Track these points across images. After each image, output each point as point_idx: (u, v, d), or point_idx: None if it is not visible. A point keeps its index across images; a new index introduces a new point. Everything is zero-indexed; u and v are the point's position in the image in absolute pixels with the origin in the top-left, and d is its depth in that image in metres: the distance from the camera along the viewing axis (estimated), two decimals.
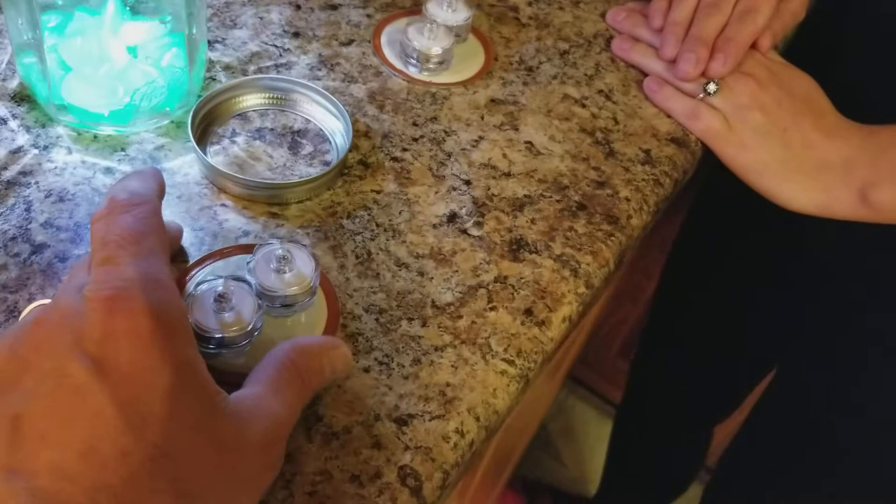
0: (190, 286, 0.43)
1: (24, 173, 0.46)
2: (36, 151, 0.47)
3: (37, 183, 0.46)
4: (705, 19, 0.61)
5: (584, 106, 0.60)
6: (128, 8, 0.49)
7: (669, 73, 0.61)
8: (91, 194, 0.46)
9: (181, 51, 0.50)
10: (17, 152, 0.47)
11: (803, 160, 0.58)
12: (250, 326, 0.40)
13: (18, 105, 0.49)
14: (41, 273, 0.42)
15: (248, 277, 0.42)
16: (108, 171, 0.47)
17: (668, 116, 0.61)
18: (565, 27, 0.66)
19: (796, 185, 0.59)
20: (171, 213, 0.46)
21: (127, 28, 0.49)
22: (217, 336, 0.39)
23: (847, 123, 0.59)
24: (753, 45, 0.61)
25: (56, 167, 0.47)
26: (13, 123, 0.48)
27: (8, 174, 0.46)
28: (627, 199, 0.54)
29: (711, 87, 0.60)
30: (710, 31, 0.60)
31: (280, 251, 0.42)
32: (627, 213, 0.53)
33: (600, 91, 0.61)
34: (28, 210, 0.45)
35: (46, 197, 0.45)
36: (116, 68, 0.49)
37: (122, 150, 0.49)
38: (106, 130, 0.49)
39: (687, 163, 0.59)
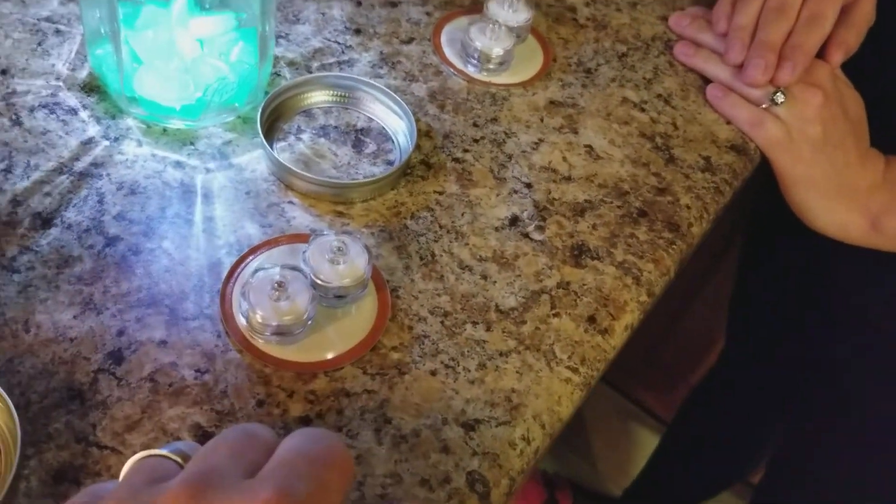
0: (247, 273, 0.43)
1: (95, 164, 0.47)
2: (107, 143, 0.48)
3: (108, 175, 0.46)
4: (771, 25, 0.60)
5: (643, 110, 0.59)
6: (196, 1, 0.49)
7: (734, 79, 0.61)
8: (161, 188, 0.47)
9: (250, 46, 0.50)
10: (88, 143, 0.47)
11: (839, 181, 0.59)
12: (305, 315, 0.41)
13: (88, 95, 0.50)
14: (115, 266, 0.43)
15: (303, 266, 0.42)
16: (178, 164, 0.48)
17: (728, 123, 0.60)
18: (623, 29, 0.66)
19: (827, 203, 0.60)
20: (240, 208, 0.47)
21: (196, 22, 0.50)
22: (273, 324, 0.40)
23: (874, 151, 0.61)
24: (823, 56, 0.60)
25: (127, 159, 0.47)
26: (84, 114, 0.49)
27: (80, 165, 0.46)
28: (688, 207, 0.54)
29: (779, 97, 0.59)
30: (776, 36, 0.60)
31: (335, 242, 0.42)
32: (688, 221, 0.53)
33: (659, 95, 0.61)
34: (101, 202, 0.45)
35: (118, 189, 0.46)
36: (186, 62, 0.49)
37: (192, 143, 0.49)
38: (175, 124, 0.49)
39: (745, 170, 0.59)
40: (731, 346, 1.02)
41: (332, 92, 0.53)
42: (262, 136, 0.48)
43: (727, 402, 1.06)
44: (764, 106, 0.60)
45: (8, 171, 0.45)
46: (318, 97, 0.53)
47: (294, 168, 0.48)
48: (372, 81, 0.53)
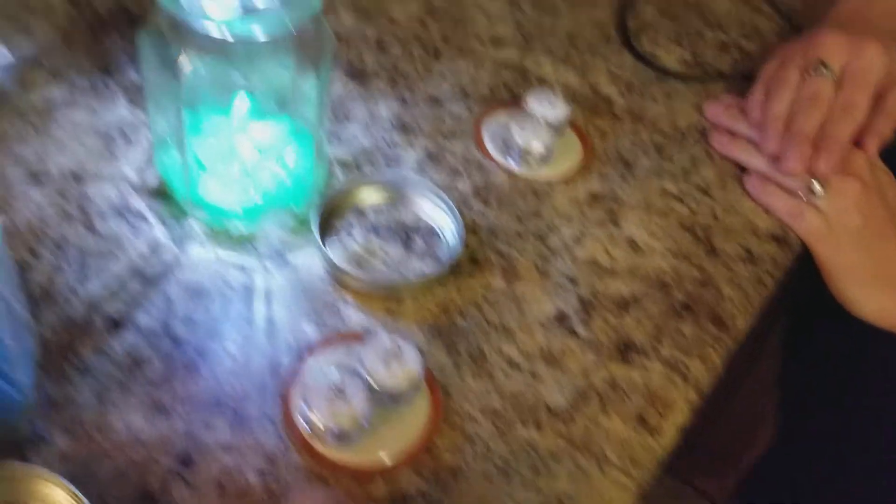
0: (305, 374, 0.45)
1: (163, 267, 0.49)
2: (173, 246, 0.50)
3: (176, 277, 0.49)
4: (805, 115, 0.62)
5: (682, 201, 0.61)
6: (254, 108, 0.52)
7: (771, 169, 0.62)
8: (224, 289, 0.49)
9: (306, 150, 0.53)
10: (156, 246, 0.50)
11: (880, 269, 0.61)
12: (362, 418, 0.42)
13: (155, 199, 0.53)
14: (182, 367, 0.45)
15: (359, 369, 0.44)
16: (240, 265, 0.50)
17: (767, 212, 0.62)
18: (659, 119, 0.68)
19: (868, 290, 0.61)
20: (297, 307, 0.49)
21: (255, 128, 0.53)
22: (331, 427, 0.41)
23: None
24: (859, 145, 0.62)
25: (192, 262, 0.50)
26: (151, 217, 0.51)
27: (149, 268, 0.49)
28: (732, 300, 0.55)
29: (817, 187, 0.60)
30: (811, 126, 0.61)
31: (390, 345, 0.44)
32: (733, 315, 0.54)
33: (698, 186, 0.63)
34: (168, 305, 0.47)
35: (185, 292, 0.48)
36: (247, 167, 0.52)
37: (251, 244, 0.51)
38: (236, 226, 0.52)
39: (787, 261, 0.60)
40: (782, 428, 1.01)
41: (382, 191, 0.56)
42: (317, 236, 0.50)
43: (782, 485, 1.05)
44: (802, 196, 0.61)
45: (83, 275, 0.48)
46: (369, 196, 0.56)
47: (347, 268, 0.50)
48: (419, 179, 0.55)
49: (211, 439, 0.42)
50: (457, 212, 0.54)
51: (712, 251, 0.58)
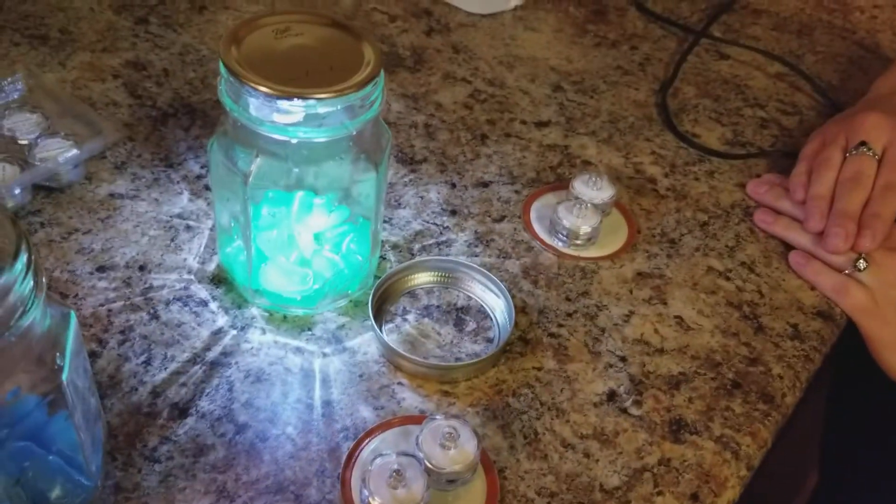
0: (363, 457, 0.46)
1: (224, 354, 0.51)
2: (234, 332, 0.52)
3: (237, 363, 0.51)
4: (849, 195, 0.63)
5: (728, 279, 0.62)
6: (313, 200, 0.55)
7: (815, 247, 0.63)
8: (283, 374, 0.50)
9: (361, 237, 0.55)
10: (217, 333, 0.52)
11: None
12: (421, 502, 0.43)
13: (217, 287, 0.55)
14: (245, 453, 0.46)
15: (417, 452, 0.44)
16: (298, 350, 0.52)
17: (813, 289, 0.62)
18: (702, 198, 0.69)
19: None
20: (354, 391, 0.50)
21: (314, 218, 0.55)
22: None
23: None
24: None
25: (252, 347, 0.52)
26: (213, 305, 0.54)
27: (211, 355, 0.51)
28: (780, 377, 0.55)
29: (861, 263, 0.61)
30: (854, 206, 0.62)
31: (447, 428, 0.45)
32: (782, 392, 0.54)
33: (743, 263, 0.63)
34: (230, 390, 0.49)
35: (245, 377, 0.50)
36: (305, 256, 0.54)
37: (309, 329, 0.53)
38: (295, 311, 0.54)
39: (833, 336, 0.60)
40: (824, 482, 1.00)
41: (433, 274, 0.57)
42: (372, 320, 0.52)
43: None
44: (847, 272, 0.61)
45: (148, 363, 0.50)
46: (421, 279, 0.57)
47: (401, 350, 0.51)
48: (468, 262, 0.57)
49: None
50: (507, 293, 0.55)
51: (760, 328, 0.58)
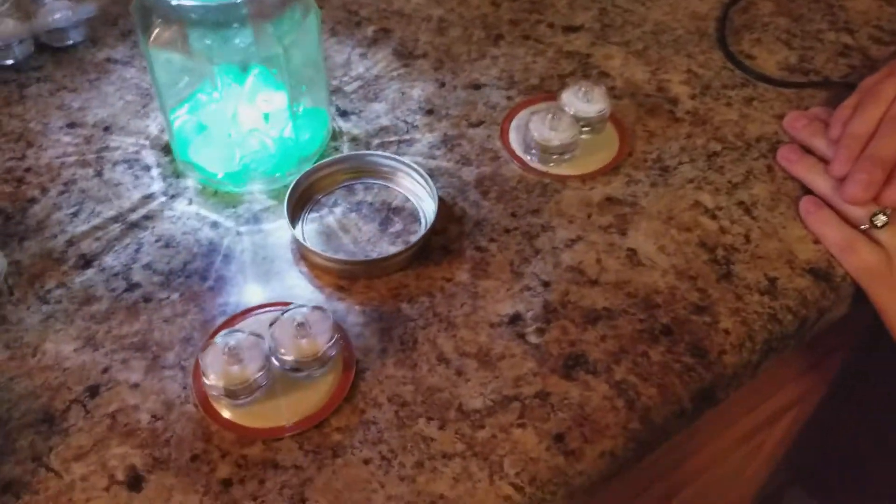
0: (217, 338, 0.46)
1: (146, 217, 0.53)
2: (163, 199, 0.54)
3: (153, 227, 0.52)
4: (886, 138, 0.52)
5: (714, 217, 0.54)
6: (267, 77, 0.54)
7: (835, 194, 0.54)
8: (192, 244, 0.52)
9: (304, 122, 0.54)
10: (148, 198, 0.54)
11: None
12: (253, 381, 0.43)
13: (166, 156, 0.57)
14: (125, 310, 0.48)
15: (266, 336, 0.44)
16: (215, 225, 0.53)
17: (817, 242, 0.53)
18: (725, 126, 0.60)
19: None
20: (251, 272, 0.50)
21: (263, 97, 0.55)
22: (220, 385, 0.42)
23: None
24: None
25: (174, 215, 0.53)
26: (154, 171, 0.56)
27: (134, 217, 0.53)
28: (726, 332, 0.48)
29: (881, 218, 0.51)
30: (889, 151, 0.52)
31: (300, 318, 0.44)
32: (721, 348, 0.48)
33: (740, 203, 0.55)
34: (137, 251, 0.51)
35: (156, 241, 0.52)
36: (243, 133, 0.54)
37: (234, 207, 0.54)
38: (227, 188, 0.54)
39: (824, 301, 0.51)
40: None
41: (375, 169, 0.56)
42: (285, 206, 0.51)
43: None
44: (864, 227, 0.52)
45: (75, 215, 0.53)
46: (361, 173, 0.56)
47: (303, 242, 0.51)
48: (409, 162, 0.54)
49: (122, 377, 0.45)
50: (435, 193, 0.52)
51: (727, 276, 0.51)
